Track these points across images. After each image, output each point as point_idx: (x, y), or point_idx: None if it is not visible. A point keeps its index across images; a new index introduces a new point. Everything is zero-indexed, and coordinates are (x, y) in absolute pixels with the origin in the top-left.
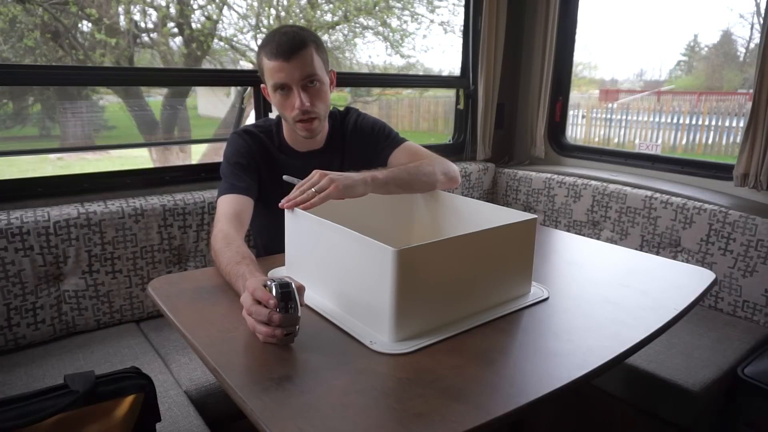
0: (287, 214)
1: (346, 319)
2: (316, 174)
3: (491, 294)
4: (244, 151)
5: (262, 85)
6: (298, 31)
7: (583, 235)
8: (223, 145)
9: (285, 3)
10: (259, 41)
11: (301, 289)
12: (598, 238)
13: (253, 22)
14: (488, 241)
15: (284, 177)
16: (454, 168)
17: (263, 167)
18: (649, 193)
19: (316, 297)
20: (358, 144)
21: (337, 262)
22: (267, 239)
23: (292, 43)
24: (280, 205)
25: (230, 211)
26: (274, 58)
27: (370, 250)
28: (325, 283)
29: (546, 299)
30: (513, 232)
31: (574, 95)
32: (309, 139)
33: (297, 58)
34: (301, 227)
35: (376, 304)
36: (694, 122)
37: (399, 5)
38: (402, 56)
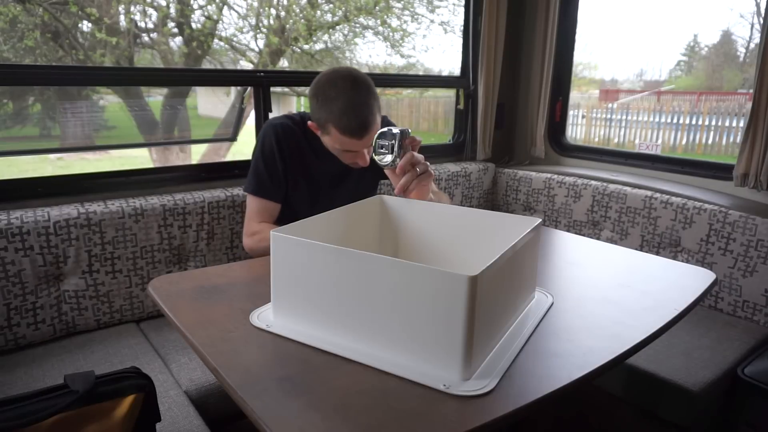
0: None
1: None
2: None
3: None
4: (283, 146)
5: (310, 122)
6: (368, 99)
7: (583, 235)
8: (223, 146)
9: (285, 3)
10: (260, 41)
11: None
12: (598, 238)
13: (253, 22)
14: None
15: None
16: None
17: (292, 162)
18: (649, 193)
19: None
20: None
21: (331, 282)
22: None
23: (366, 123)
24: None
25: (262, 209)
26: (348, 135)
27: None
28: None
29: (551, 305)
30: (524, 240)
31: (574, 95)
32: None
33: (368, 135)
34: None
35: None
36: (694, 122)
37: (399, 5)
38: (402, 56)
